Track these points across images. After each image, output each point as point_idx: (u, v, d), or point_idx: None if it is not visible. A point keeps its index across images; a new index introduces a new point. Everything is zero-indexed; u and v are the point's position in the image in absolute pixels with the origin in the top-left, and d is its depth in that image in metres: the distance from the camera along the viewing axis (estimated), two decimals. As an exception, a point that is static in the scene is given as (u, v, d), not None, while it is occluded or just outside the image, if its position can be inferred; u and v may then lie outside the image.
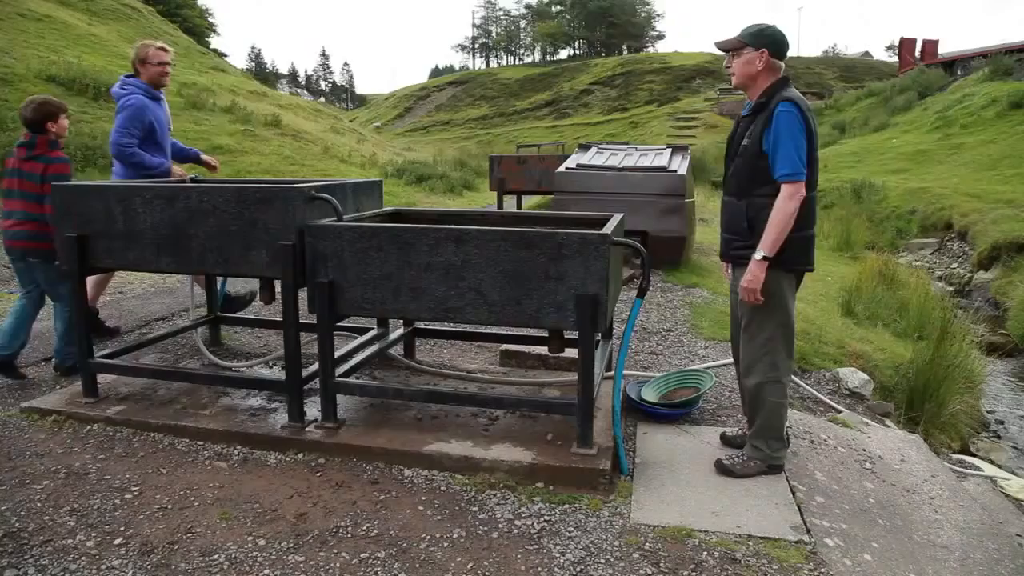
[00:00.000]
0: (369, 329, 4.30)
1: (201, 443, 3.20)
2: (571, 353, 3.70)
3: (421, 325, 4.37)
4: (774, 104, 2.71)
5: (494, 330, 4.33)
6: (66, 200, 3.38)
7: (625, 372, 3.74)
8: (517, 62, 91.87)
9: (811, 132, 2.70)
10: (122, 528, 2.53)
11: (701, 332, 5.24)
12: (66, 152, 3.92)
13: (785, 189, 2.67)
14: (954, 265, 12.14)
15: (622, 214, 3.48)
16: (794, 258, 2.81)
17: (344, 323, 4.32)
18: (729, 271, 3.14)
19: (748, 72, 2.79)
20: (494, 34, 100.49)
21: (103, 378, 3.68)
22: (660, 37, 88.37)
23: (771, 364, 2.90)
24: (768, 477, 2.96)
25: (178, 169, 4.65)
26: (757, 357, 2.92)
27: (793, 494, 2.84)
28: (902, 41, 35.22)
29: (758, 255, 2.74)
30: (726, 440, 3.28)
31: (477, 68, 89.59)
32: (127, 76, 4.43)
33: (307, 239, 3.06)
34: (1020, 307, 8.64)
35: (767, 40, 2.76)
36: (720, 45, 2.93)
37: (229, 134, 13.93)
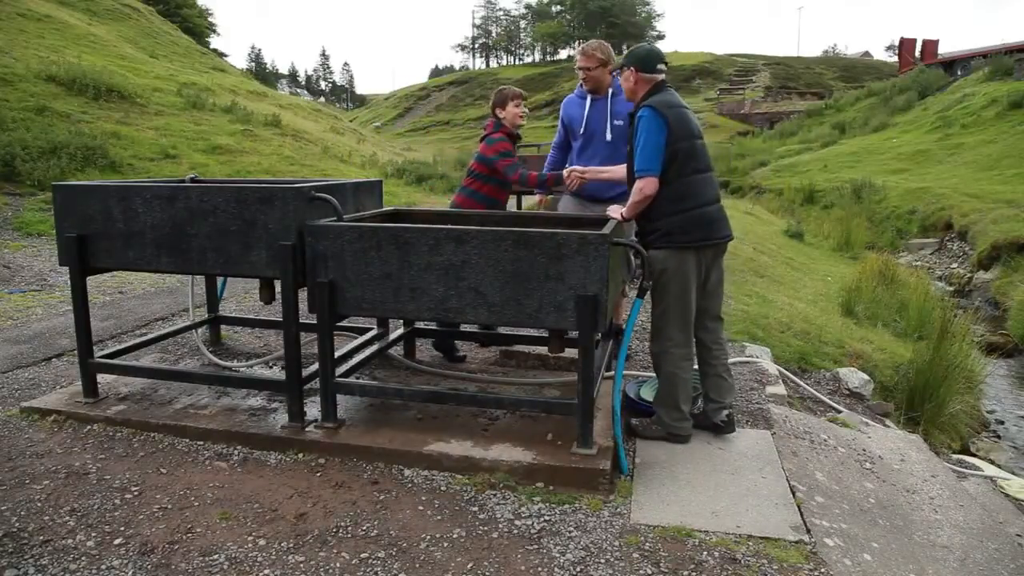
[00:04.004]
0: (369, 329, 4.30)
1: (201, 443, 3.20)
2: (571, 353, 3.70)
3: (421, 325, 4.37)
4: (636, 110, 3.13)
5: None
6: (66, 200, 3.37)
7: (625, 372, 3.74)
8: (517, 62, 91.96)
9: (672, 126, 3.03)
10: (122, 528, 2.53)
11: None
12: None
13: (637, 183, 3.10)
14: (954, 265, 12.15)
15: (622, 214, 3.49)
16: (683, 234, 3.10)
17: (344, 323, 4.32)
18: None
19: (628, 87, 3.24)
20: (494, 34, 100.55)
21: (103, 378, 3.68)
22: (660, 37, 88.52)
23: (665, 336, 3.21)
24: (768, 477, 2.97)
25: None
26: (656, 327, 3.27)
27: (793, 494, 2.84)
28: (902, 41, 35.26)
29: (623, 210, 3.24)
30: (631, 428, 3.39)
31: (477, 68, 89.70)
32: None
33: (307, 239, 3.06)
34: (1020, 307, 8.64)
35: (632, 59, 3.19)
36: (612, 68, 3.55)
37: (229, 134, 13.93)
